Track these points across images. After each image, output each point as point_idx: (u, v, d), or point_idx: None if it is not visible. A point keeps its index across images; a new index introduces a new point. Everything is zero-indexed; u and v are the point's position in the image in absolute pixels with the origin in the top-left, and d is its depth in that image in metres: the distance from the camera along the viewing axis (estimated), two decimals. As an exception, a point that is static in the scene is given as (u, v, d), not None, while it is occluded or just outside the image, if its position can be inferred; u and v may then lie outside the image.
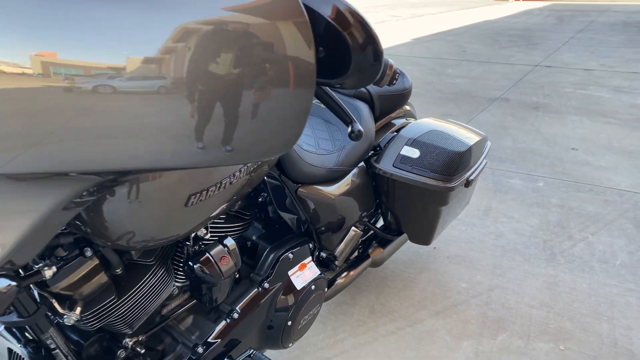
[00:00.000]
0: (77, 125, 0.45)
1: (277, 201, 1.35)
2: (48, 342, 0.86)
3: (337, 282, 1.57)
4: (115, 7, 0.45)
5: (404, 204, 1.56)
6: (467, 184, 1.52)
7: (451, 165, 1.45)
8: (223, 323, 1.14)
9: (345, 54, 0.75)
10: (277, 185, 1.32)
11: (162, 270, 1.00)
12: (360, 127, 0.89)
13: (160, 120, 0.48)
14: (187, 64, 0.47)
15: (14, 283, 0.66)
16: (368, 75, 0.78)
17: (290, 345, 1.33)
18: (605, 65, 6.04)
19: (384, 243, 1.70)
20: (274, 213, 1.43)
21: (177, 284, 1.10)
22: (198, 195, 0.80)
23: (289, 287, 1.28)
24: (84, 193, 0.57)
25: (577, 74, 5.58)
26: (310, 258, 1.36)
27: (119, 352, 1.02)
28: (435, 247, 2.14)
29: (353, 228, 1.50)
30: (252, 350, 1.14)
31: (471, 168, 1.54)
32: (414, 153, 1.47)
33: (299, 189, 1.30)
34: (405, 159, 1.47)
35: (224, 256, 1.02)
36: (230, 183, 0.86)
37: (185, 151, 0.50)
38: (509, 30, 9.71)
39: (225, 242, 1.04)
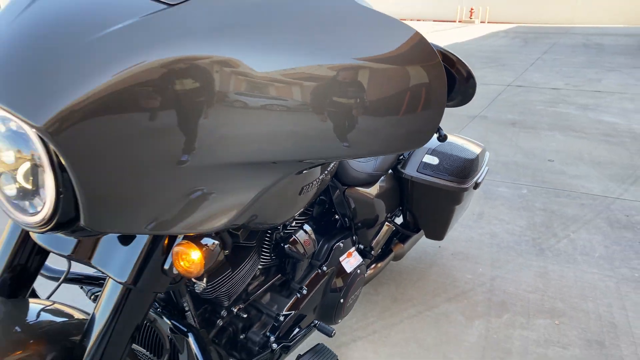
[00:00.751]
0: (302, 127, 0.71)
1: (329, 200, 1.62)
2: (184, 305, 1.11)
3: (367, 272, 1.84)
4: None
5: (424, 204, 1.85)
6: (476, 186, 1.82)
7: (464, 170, 1.75)
8: (294, 298, 1.39)
9: (450, 84, 1.10)
10: (329, 187, 1.59)
11: (258, 251, 1.25)
12: (444, 132, 1.23)
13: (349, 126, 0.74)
14: (370, 86, 0.72)
15: (217, 242, 0.89)
16: (467, 97, 1.11)
17: (339, 321, 1.59)
18: (570, 85, 6.55)
19: (403, 239, 1.98)
20: (317, 211, 1.70)
21: (260, 265, 1.35)
22: (307, 186, 1.06)
23: (340, 271, 1.54)
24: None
25: (546, 92, 6.05)
26: (354, 248, 1.63)
27: (218, 320, 1.26)
28: (440, 246, 2.43)
29: (386, 223, 1.79)
30: (317, 322, 1.39)
31: (478, 173, 1.84)
32: (433, 160, 1.77)
33: (346, 190, 1.57)
34: (426, 166, 1.77)
35: (307, 239, 1.28)
36: (323, 179, 1.13)
37: (361, 144, 0.76)
38: (478, 52, 10.26)
39: (305, 228, 1.31)
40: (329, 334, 1.33)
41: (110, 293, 0.84)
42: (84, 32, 0.65)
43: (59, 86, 0.62)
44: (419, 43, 0.75)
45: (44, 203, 0.70)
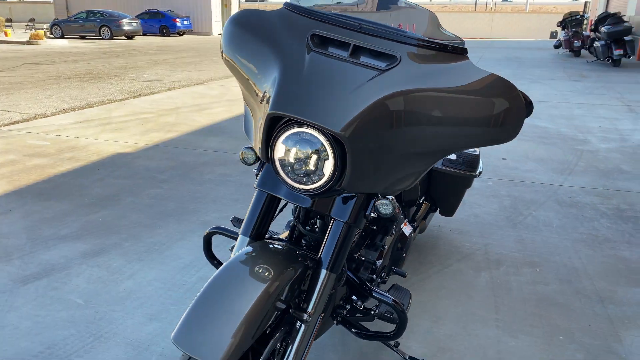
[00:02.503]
0: (453, 132, 1.36)
1: None
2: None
3: (406, 240, 2.49)
4: None
5: (443, 188, 2.53)
6: (480, 174, 2.53)
7: (473, 162, 2.45)
8: (379, 252, 2.02)
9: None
10: None
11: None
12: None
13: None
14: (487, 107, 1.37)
15: (394, 197, 1.50)
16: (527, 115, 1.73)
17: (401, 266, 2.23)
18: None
19: (425, 216, 2.66)
20: None
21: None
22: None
23: (402, 235, 2.18)
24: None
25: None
26: (406, 219, 2.28)
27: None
28: (439, 226, 3.14)
29: (425, 202, 2.45)
30: (394, 268, 2.02)
31: (480, 164, 2.56)
32: (452, 156, 2.46)
33: None
34: (447, 160, 2.46)
35: (398, 208, 1.92)
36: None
37: (478, 142, 1.40)
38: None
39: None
40: (404, 275, 1.97)
41: (334, 233, 1.43)
42: (347, 86, 1.26)
43: (343, 109, 1.23)
44: (511, 88, 1.41)
45: (322, 178, 1.30)
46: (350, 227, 1.43)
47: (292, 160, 1.33)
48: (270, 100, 1.31)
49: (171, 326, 2.10)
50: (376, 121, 1.26)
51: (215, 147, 4.83)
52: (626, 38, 11.60)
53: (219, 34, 28.20)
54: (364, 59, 1.35)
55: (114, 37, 22.44)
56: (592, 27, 13.23)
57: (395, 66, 1.31)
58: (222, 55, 1.64)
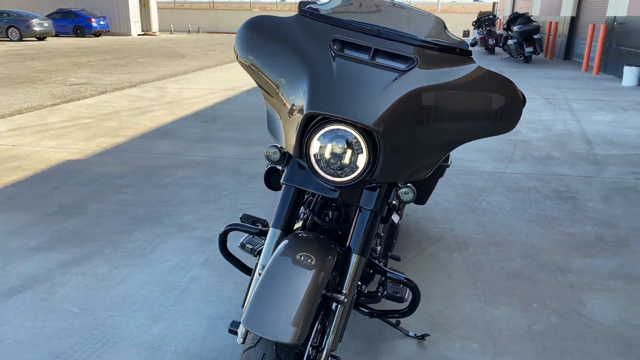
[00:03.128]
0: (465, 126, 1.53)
1: None
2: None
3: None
4: None
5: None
6: (450, 164, 2.76)
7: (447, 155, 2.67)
8: (378, 237, 2.17)
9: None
10: None
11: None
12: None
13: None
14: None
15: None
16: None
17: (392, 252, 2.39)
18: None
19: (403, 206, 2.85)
20: None
21: None
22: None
23: (392, 223, 2.35)
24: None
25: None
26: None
27: None
28: (407, 214, 3.35)
29: None
30: (389, 253, 2.18)
31: (450, 155, 2.78)
32: (426, 149, 2.66)
33: None
34: (422, 152, 2.66)
35: None
36: None
37: (483, 132, 1.58)
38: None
39: None
40: (399, 259, 2.14)
41: (361, 221, 1.56)
42: (375, 86, 1.40)
43: (374, 107, 1.37)
44: (510, 85, 1.61)
45: (355, 170, 1.43)
46: (375, 215, 1.57)
47: (327, 155, 1.44)
48: (306, 101, 1.42)
49: (177, 326, 2.14)
50: (403, 116, 1.40)
51: (168, 150, 4.78)
52: (535, 36, 12.61)
53: (139, 34, 27.24)
54: (381, 61, 1.49)
55: (24, 39, 21.04)
56: (505, 26, 14.23)
57: (413, 67, 1.46)
58: (237, 59, 1.72)
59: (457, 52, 1.55)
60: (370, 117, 1.37)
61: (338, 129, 1.42)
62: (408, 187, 1.58)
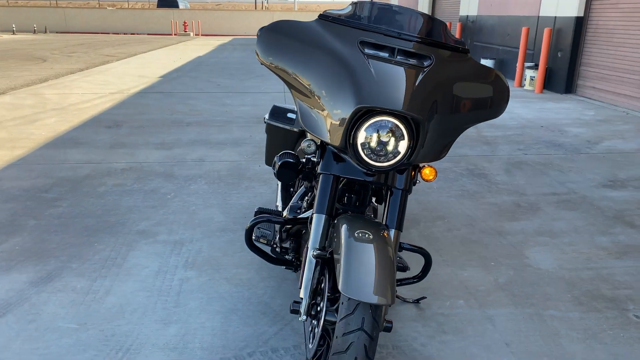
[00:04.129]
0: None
1: None
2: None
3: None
4: None
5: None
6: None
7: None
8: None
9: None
10: None
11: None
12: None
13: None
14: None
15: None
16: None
17: None
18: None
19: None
20: None
21: None
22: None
23: None
24: None
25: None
26: None
27: None
28: (353, 200, 3.63)
29: None
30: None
31: None
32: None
33: None
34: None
35: None
36: None
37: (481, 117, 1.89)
38: (227, 63, 11.63)
39: None
40: None
41: (394, 200, 1.78)
42: (409, 82, 1.64)
43: (413, 99, 1.61)
44: (499, 75, 1.94)
45: (397, 155, 1.65)
46: (405, 193, 1.80)
47: (373, 143, 1.64)
48: (353, 97, 1.60)
49: (192, 325, 2.17)
50: (433, 105, 1.66)
51: (84, 159, 4.52)
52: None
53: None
54: (403, 59, 1.72)
55: None
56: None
57: (432, 64, 1.72)
58: (262, 61, 1.84)
59: (461, 51, 1.84)
60: (412, 107, 1.59)
61: (383, 120, 1.62)
62: (430, 167, 1.84)
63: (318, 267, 1.72)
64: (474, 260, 2.77)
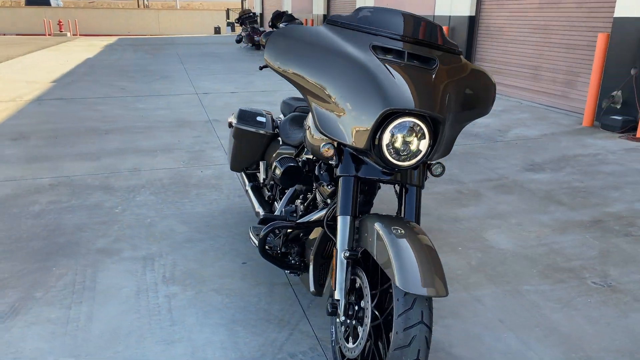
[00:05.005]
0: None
1: None
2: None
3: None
4: None
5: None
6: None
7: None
8: None
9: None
10: None
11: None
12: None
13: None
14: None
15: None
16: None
17: None
18: (241, 88, 8.39)
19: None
20: None
21: None
22: None
23: None
24: None
25: (227, 95, 7.68)
26: None
27: None
28: (310, 200, 3.66)
29: None
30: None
31: None
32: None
33: None
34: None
35: None
36: None
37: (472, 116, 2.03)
38: (123, 65, 11.02)
39: None
40: None
41: (410, 197, 1.86)
42: (425, 83, 1.74)
43: (432, 99, 1.70)
44: (487, 74, 2.09)
45: (419, 154, 1.74)
46: (420, 189, 1.89)
47: (398, 144, 1.70)
48: (379, 99, 1.64)
49: (197, 342, 2.09)
50: (446, 105, 1.76)
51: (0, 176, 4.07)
52: (299, 32, 13.90)
53: None
54: (410, 61, 1.80)
55: None
56: (270, 23, 15.23)
57: (437, 66, 1.82)
58: (271, 65, 1.84)
59: (457, 53, 1.96)
60: (433, 107, 1.68)
61: (407, 120, 1.69)
62: (439, 163, 1.94)
63: (349, 268, 1.75)
64: (443, 247, 2.96)
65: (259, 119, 2.86)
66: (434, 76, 1.77)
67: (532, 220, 3.34)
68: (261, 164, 2.77)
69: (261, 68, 2.31)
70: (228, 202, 3.57)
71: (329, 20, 1.90)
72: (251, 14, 16.71)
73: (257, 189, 2.96)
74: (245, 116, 2.87)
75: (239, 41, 17.66)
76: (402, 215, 1.87)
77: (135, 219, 3.27)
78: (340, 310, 1.71)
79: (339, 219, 1.79)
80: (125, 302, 2.36)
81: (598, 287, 2.54)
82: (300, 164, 2.20)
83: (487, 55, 8.54)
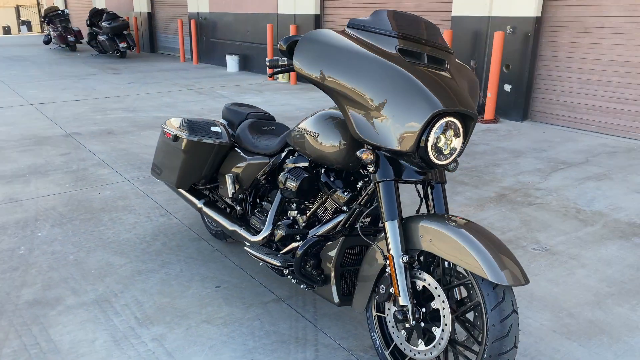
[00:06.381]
0: None
1: None
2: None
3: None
4: None
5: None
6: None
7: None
8: None
9: None
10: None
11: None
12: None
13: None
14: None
15: None
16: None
17: None
18: (78, 94, 7.50)
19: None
20: None
21: None
22: None
23: None
24: None
25: (70, 104, 6.85)
26: None
27: None
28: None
29: None
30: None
31: None
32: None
33: None
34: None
35: None
36: None
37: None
38: None
39: None
40: None
41: (437, 193, 1.91)
42: (454, 83, 1.83)
43: (465, 98, 1.80)
44: (473, 72, 2.22)
45: (454, 152, 1.81)
46: (444, 185, 1.96)
47: (441, 143, 1.74)
48: (426, 101, 1.66)
49: (225, 380, 1.88)
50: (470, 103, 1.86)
51: None
52: (125, 32, 12.90)
53: None
54: (428, 63, 1.85)
55: None
56: (88, 22, 13.82)
57: (448, 67, 1.91)
58: (303, 73, 1.75)
59: (452, 52, 2.07)
60: (469, 106, 1.77)
61: (449, 120, 1.74)
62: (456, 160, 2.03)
63: (408, 272, 1.74)
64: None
65: (213, 129, 2.63)
66: (451, 76, 1.84)
67: (452, 201, 3.66)
68: (227, 177, 2.55)
69: (271, 76, 2.14)
70: (154, 224, 3.21)
71: (350, 23, 1.85)
72: (59, 12, 14.94)
73: (213, 205, 2.73)
74: (197, 127, 2.61)
75: (47, 42, 15.76)
76: (433, 211, 1.91)
77: (54, 259, 2.75)
78: (410, 315, 1.70)
79: (387, 224, 1.77)
80: (109, 356, 1.99)
81: (539, 252, 2.92)
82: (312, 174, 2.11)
83: (335, 52, 8.97)
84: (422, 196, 1.98)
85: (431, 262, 1.83)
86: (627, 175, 4.25)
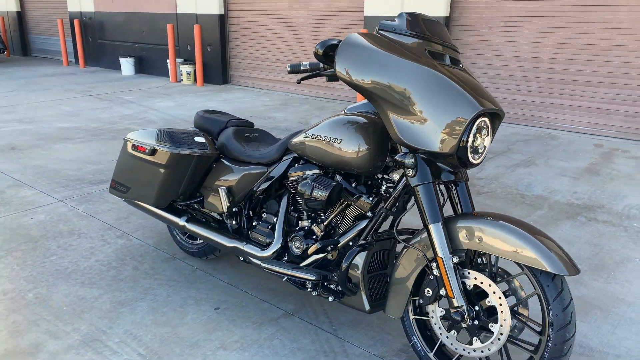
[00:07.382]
0: None
1: None
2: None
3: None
4: None
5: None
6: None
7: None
8: None
9: None
10: None
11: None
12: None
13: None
14: None
15: None
16: None
17: None
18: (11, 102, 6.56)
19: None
20: None
21: None
22: None
23: None
24: None
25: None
26: None
27: None
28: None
29: None
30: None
31: None
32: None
33: None
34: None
35: None
36: None
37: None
38: None
39: None
40: None
41: (462, 191, 1.94)
42: (477, 83, 1.88)
43: (493, 98, 1.85)
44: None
45: (484, 151, 1.86)
46: (468, 182, 2.00)
47: (477, 143, 1.77)
48: (468, 103, 1.67)
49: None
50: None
51: None
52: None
53: None
54: (449, 65, 1.88)
55: None
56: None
57: (462, 65, 1.96)
58: (346, 78, 1.71)
59: (459, 52, 2.12)
60: (498, 105, 1.82)
61: (484, 120, 1.77)
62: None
63: (458, 272, 1.75)
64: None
65: (197, 139, 2.43)
66: (470, 75, 1.89)
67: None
68: (221, 190, 2.36)
69: (299, 82, 2.00)
70: (113, 248, 2.90)
71: (381, 26, 1.81)
72: None
73: (199, 222, 2.52)
74: (179, 138, 2.39)
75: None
76: (460, 210, 1.95)
77: (8, 299, 2.37)
78: (467, 315, 1.71)
79: (432, 227, 1.76)
80: (129, 403, 1.76)
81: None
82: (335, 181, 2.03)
83: (243, 52, 8.79)
84: (445, 196, 2.00)
85: (472, 261, 1.86)
86: (547, 160, 4.68)
